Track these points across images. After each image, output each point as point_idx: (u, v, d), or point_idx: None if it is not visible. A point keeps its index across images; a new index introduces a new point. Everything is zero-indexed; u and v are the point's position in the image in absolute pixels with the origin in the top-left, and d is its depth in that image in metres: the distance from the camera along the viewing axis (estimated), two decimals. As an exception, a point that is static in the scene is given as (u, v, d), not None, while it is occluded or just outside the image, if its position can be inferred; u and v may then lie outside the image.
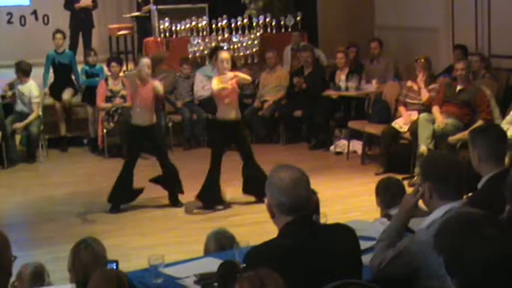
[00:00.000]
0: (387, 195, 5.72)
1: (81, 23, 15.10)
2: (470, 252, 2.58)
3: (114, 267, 4.54)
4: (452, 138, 9.62)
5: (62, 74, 13.26)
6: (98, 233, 7.69)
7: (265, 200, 3.78)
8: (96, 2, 15.33)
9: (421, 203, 4.17)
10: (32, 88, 12.29)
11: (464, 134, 8.94)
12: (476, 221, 2.70)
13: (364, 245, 4.15)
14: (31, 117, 12.15)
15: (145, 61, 9.33)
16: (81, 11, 15.02)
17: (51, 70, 13.31)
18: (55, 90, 13.15)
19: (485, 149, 4.82)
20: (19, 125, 12.11)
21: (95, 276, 4.04)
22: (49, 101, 13.07)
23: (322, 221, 5.00)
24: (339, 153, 12.02)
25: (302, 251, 3.58)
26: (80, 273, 4.66)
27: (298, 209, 3.65)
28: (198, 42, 14.02)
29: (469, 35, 12.80)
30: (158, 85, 9.44)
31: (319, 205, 5.13)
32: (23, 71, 12.28)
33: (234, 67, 9.83)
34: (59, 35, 13.28)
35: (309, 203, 3.76)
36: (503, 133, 5.19)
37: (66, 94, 13.03)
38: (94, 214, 9.33)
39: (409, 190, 5.62)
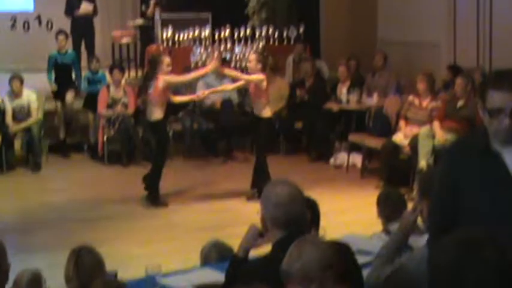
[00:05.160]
0: (388, 207, 5.71)
1: (83, 29, 15.11)
2: (468, 272, 2.57)
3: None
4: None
5: (64, 73, 13.27)
6: (95, 240, 7.68)
7: (260, 214, 3.78)
8: (97, 9, 15.35)
9: (420, 220, 4.18)
10: (30, 94, 12.29)
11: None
12: (476, 241, 2.68)
13: (361, 259, 4.15)
14: (30, 120, 12.14)
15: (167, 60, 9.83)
16: (82, 18, 15.04)
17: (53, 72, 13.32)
18: (57, 90, 13.14)
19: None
20: (19, 126, 12.10)
21: (95, 286, 4.04)
22: (50, 106, 13.08)
23: (321, 233, 5.01)
24: (338, 166, 12.02)
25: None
26: (83, 279, 4.62)
27: (293, 224, 3.66)
28: (200, 52, 14.03)
29: (471, 50, 12.84)
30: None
31: (319, 217, 5.12)
32: (20, 80, 12.26)
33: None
34: (61, 36, 13.32)
35: (304, 219, 3.78)
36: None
37: (69, 96, 13.05)
38: (92, 221, 9.31)
39: (409, 204, 5.62)
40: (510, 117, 3.37)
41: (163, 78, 9.72)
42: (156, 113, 9.87)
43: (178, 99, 10.52)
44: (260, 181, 9.54)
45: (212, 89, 10.78)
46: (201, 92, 10.46)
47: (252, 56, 10.09)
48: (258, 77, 9.81)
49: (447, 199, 3.58)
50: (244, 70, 13.98)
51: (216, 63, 10.04)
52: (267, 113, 10.05)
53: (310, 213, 4.73)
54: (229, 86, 11.08)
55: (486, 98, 3.43)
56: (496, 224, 3.25)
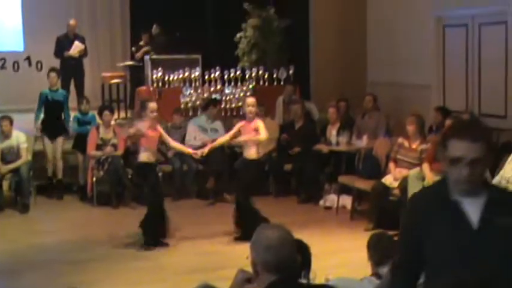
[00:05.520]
0: (378, 252, 5.68)
1: (72, 70, 15.13)
2: None
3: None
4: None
5: (54, 111, 13.14)
6: (84, 282, 7.66)
7: (250, 258, 3.76)
8: (87, 50, 15.39)
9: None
10: (19, 135, 12.27)
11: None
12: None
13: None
14: (20, 161, 12.11)
15: (151, 106, 9.87)
16: (72, 59, 15.07)
17: (43, 109, 13.27)
18: (47, 128, 13.07)
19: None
20: (7, 168, 12.05)
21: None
22: (39, 146, 13.03)
23: (312, 276, 4.98)
24: (328, 208, 12.00)
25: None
26: None
27: (284, 268, 3.64)
28: (190, 93, 14.07)
29: (460, 93, 12.93)
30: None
31: (310, 260, 5.10)
32: (10, 121, 12.25)
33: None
34: (53, 73, 13.27)
35: (294, 262, 3.76)
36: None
37: (58, 143, 12.99)
38: (81, 263, 9.22)
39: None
40: (469, 167, 3.45)
41: (160, 130, 9.92)
42: (143, 156, 9.93)
43: (174, 145, 10.59)
44: (247, 221, 9.61)
45: (210, 146, 10.68)
46: (200, 151, 10.43)
47: (251, 100, 10.14)
48: (265, 136, 10.03)
49: (412, 250, 3.66)
50: (234, 111, 14.12)
51: (204, 152, 10.33)
52: (256, 155, 10.11)
53: (301, 256, 4.71)
54: (224, 138, 10.90)
55: (448, 146, 3.50)
56: (461, 272, 3.32)
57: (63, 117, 13.33)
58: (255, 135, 9.99)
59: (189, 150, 10.66)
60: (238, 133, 10.22)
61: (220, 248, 9.74)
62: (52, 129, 13.02)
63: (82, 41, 15.29)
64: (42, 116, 13.16)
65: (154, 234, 9.88)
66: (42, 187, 12.84)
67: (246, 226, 9.53)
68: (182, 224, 10.61)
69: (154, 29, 16.67)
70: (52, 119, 13.15)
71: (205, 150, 10.41)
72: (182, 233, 10.34)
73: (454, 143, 3.47)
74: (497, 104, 12.20)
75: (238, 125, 10.30)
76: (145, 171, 10.03)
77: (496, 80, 12.17)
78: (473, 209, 3.51)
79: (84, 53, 15.30)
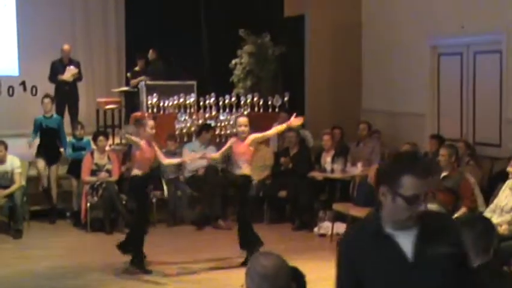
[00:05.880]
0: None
1: (67, 95, 15.11)
2: None
3: None
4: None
5: (49, 138, 13.14)
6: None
7: (245, 286, 3.74)
8: (81, 74, 15.38)
9: None
10: (14, 160, 12.24)
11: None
12: None
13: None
14: (14, 187, 12.08)
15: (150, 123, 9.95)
16: (66, 84, 15.07)
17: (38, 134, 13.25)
18: (42, 153, 13.05)
19: (472, 240, 4.81)
20: (2, 193, 11.99)
21: None
22: (33, 172, 13.01)
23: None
24: (322, 235, 11.98)
25: None
26: None
27: (279, 296, 3.62)
28: (185, 119, 14.07)
29: (455, 122, 12.95)
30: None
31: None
32: (4, 146, 12.24)
33: None
34: (47, 100, 13.25)
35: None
36: (492, 226, 5.19)
37: (53, 171, 12.98)
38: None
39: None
40: (424, 202, 3.46)
41: (155, 147, 9.88)
42: (133, 172, 9.97)
43: (168, 161, 10.58)
44: (248, 239, 9.66)
45: (202, 154, 10.81)
46: (190, 156, 10.54)
47: (243, 120, 10.18)
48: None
49: (348, 285, 3.67)
50: (229, 137, 14.11)
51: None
52: (248, 170, 10.18)
53: (296, 284, 4.69)
54: (217, 154, 10.96)
55: (400, 183, 3.44)
56: None
57: (58, 143, 13.31)
58: (250, 152, 10.07)
59: (184, 159, 10.75)
60: (231, 149, 10.21)
61: (215, 275, 9.69)
62: (47, 156, 13.01)
63: (77, 65, 15.28)
64: (37, 140, 13.15)
65: (140, 255, 9.87)
66: (35, 212, 12.79)
67: (250, 247, 9.61)
68: (176, 251, 10.57)
69: (150, 54, 16.72)
70: (47, 145, 13.15)
71: (197, 155, 10.69)
72: (176, 259, 10.30)
73: (408, 180, 3.44)
74: (491, 132, 12.22)
75: (230, 141, 10.31)
76: (138, 183, 10.01)
77: (491, 109, 12.21)
78: (407, 241, 3.51)
79: (78, 77, 15.28)
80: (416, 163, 3.51)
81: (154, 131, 9.94)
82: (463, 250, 3.62)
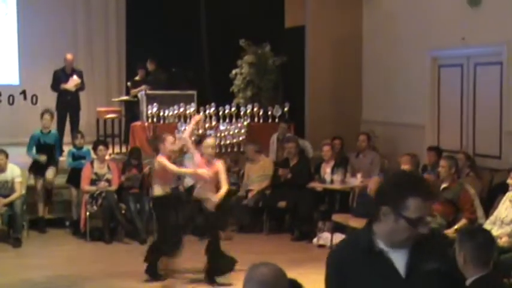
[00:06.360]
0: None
1: (68, 104, 15.14)
2: None
3: None
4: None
5: (45, 153, 13.06)
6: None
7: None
8: (84, 84, 15.38)
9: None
10: (14, 169, 12.24)
11: (447, 232, 8.94)
12: None
13: None
14: (14, 195, 12.07)
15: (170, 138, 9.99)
16: (68, 93, 15.07)
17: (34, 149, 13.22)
18: (37, 169, 13.03)
19: (472, 252, 4.81)
20: (2, 202, 11.98)
21: None
22: (32, 181, 12.99)
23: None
24: (321, 246, 11.94)
25: None
26: None
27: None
28: (185, 129, 14.04)
29: (455, 133, 12.93)
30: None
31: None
32: (5, 155, 12.24)
33: None
34: (47, 116, 13.20)
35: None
36: (492, 238, 5.19)
37: (49, 173, 12.96)
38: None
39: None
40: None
41: (159, 160, 9.77)
42: (156, 190, 9.91)
43: (186, 171, 10.77)
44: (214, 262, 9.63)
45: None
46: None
47: (211, 142, 9.98)
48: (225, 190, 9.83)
49: None
50: (229, 147, 14.14)
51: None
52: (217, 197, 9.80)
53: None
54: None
55: (405, 205, 3.42)
56: None
57: (54, 157, 13.29)
58: (211, 177, 9.72)
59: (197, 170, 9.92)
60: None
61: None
62: (42, 169, 12.97)
63: (80, 75, 15.29)
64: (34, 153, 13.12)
65: (155, 265, 9.84)
66: (35, 221, 12.77)
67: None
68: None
69: (149, 65, 16.72)
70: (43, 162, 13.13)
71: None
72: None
73: (412, 202, 3.42)
74: (491, 144, 12.21)
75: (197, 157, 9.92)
76: (159, 204, 10.01)
77: (491, 120, 12.19)
78: (399, 258, 3.50)
79: (81, 87, 15.30)
80: (422, 185, 3.51)
81: (175, 146, 10.01)
82: (456, 267, 3.61)
